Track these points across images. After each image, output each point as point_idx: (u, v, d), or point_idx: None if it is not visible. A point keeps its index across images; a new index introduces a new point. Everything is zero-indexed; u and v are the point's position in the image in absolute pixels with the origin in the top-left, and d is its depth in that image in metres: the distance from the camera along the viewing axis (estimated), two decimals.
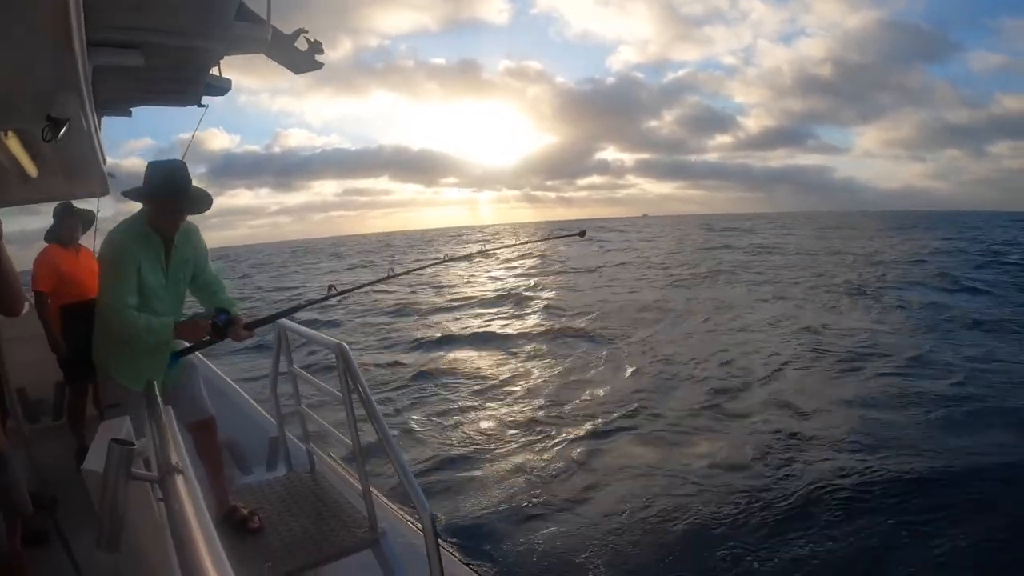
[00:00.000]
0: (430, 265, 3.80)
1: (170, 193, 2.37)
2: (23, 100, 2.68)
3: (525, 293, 19.74)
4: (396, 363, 11.12)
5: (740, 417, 7.29)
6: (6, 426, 2.09)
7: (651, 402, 8.01)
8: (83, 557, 2.14)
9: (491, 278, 26.06)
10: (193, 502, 1.24)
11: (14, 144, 3.40)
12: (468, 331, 13.92)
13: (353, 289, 3.22)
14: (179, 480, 1.33)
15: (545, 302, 17.49)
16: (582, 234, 4.04)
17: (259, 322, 2.68)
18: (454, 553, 2.64)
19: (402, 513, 2.70)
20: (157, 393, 2.29)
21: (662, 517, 4.89)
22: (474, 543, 4.59)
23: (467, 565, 2.71)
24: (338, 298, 2.89)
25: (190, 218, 2.55)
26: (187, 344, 2.52)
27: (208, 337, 2.47)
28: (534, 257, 34.48)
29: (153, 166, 2.42)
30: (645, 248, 42.93)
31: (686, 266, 26.81)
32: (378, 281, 3.28)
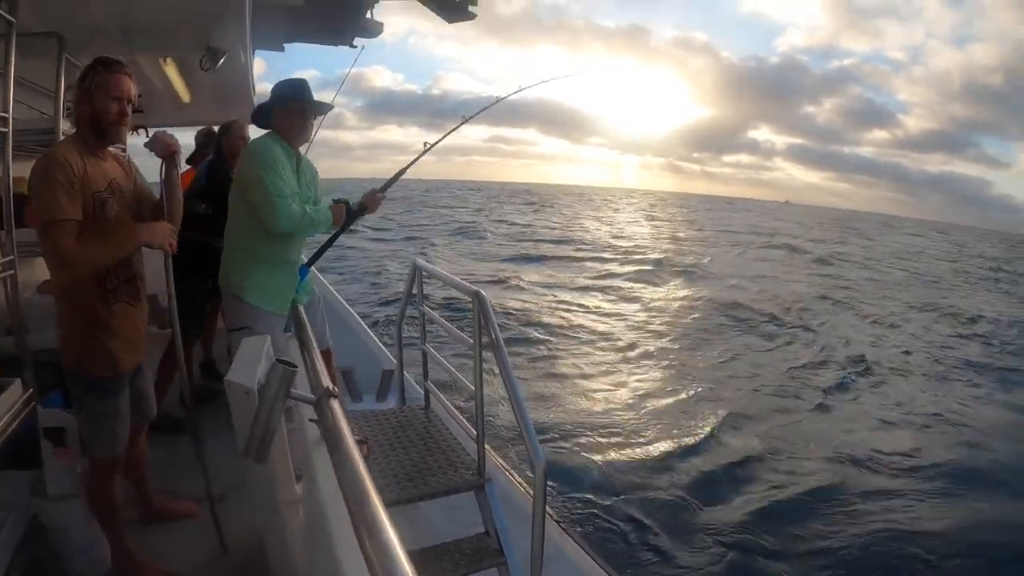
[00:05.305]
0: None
1: (295, 94, 2.46)
2: (187, 30, 2.83)
3: None
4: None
5: None
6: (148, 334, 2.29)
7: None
8: (210, 457, 2.30)
9: None
10: (346, 424, 1.32)
11: (172, 71, 3.62)
12: None
13: (443, 136, 3.22)
14: (334, 403, 1.41)
15: None
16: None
17: (389, 182, 2.89)
18: (554, 516, 2.65)
19: (509, 467, 2.72)
20: (304, 316, 2.41)
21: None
22: (577, 513, 4.54)
23: (564, 530, 2.69)
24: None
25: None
26: (306, 259, 2.68)
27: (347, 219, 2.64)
28: None
29: (276, 85, 2.55)
30: None
31: None
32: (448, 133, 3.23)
